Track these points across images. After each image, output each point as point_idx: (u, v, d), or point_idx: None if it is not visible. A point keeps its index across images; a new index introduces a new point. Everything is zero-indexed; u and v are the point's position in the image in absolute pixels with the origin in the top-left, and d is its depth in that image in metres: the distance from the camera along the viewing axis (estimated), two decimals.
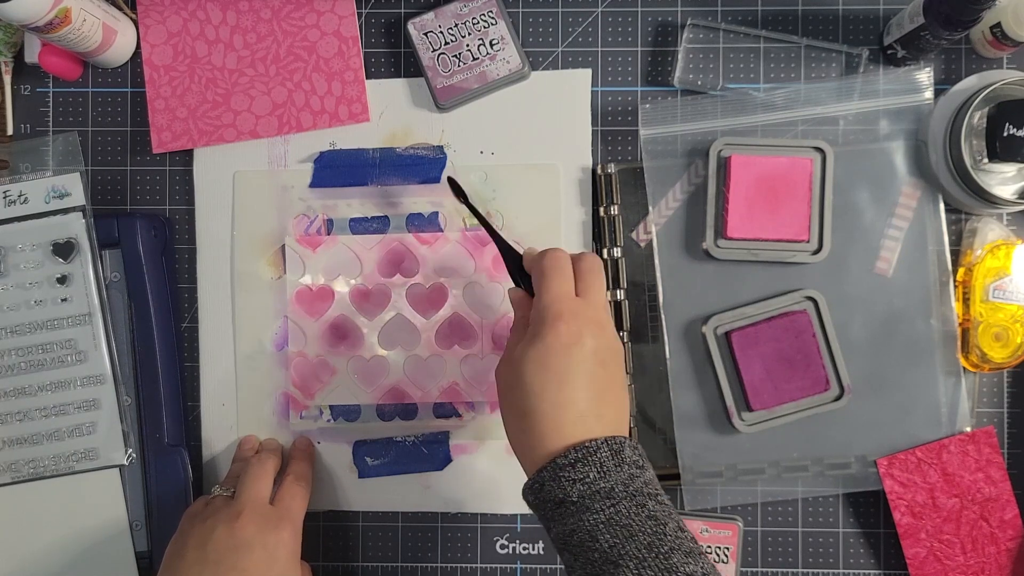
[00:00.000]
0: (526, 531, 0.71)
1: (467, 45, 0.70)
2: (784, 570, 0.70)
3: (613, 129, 0.71)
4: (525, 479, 0.53)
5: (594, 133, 0.71)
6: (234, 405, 0.71)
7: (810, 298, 0.67)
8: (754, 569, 0.70)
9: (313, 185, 0.71)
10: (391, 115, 0.71)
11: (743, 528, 0.69)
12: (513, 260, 0.61)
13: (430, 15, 0.70)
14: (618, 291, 0.69)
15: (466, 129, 0.71)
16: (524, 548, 0.71)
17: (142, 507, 0.69)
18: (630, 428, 0.68)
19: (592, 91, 0.71)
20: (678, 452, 0.68)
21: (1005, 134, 0.62)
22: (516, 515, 0.71)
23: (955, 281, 0.68)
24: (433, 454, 0.70)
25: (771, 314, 0.67)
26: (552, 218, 0.70)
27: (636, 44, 0.71)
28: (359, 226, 0.71)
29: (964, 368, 0.67)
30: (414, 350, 0.70)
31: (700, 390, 0.68)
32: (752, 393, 0.66)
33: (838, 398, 0.66)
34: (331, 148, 0.71)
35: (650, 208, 0.68)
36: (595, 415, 0.52)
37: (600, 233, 0.70)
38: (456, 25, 0.70)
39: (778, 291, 0.67)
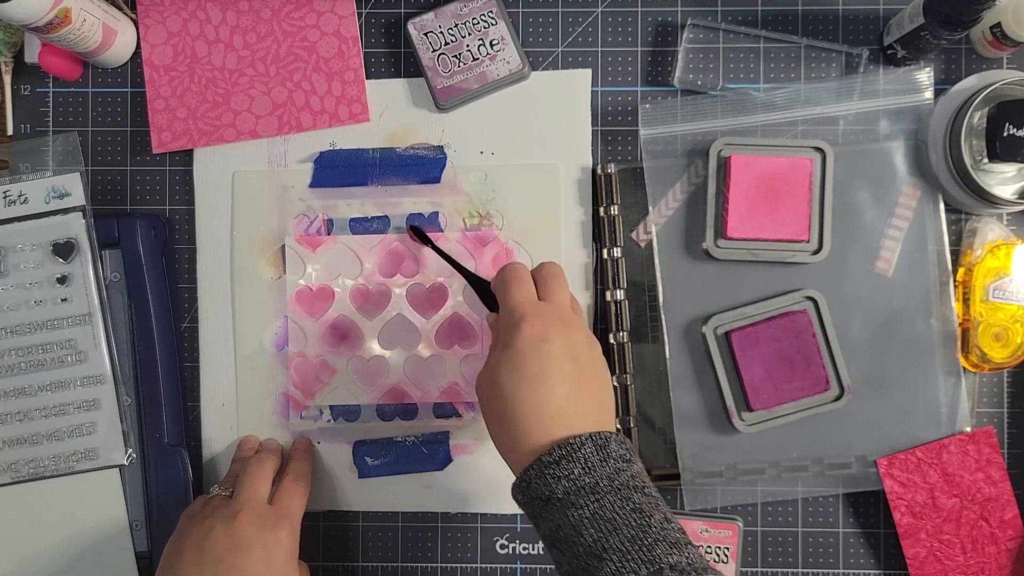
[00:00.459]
0: (526, 531, 0.71)
1: (467, 45, 0.70)
2: (784, 570, 0.70)
3: (613, 129, 0.71)
4: None
5: (594, 133, 0.71)
6: (234, 405, 0.71)
7: (810, 298, 0.67)
8: (754, 569, 0.70)
9: (313, 185, 0.71)
10: (391, 115, 0.71)
11: (743, 528, 0.69)
12: (481, 287, 0.63)
13: (430, 15, 0.70)
14: (618, 291, 0.69)
15: (466, 129, 0.71)
16: (524, 548, 0.71)
17: (142, 507, 0.69)
18: (629, 427, 0.68)
19: (592, 91, 0.71)
20: (678, 452, 0.68)
21: (1005, 134, 0.62)
22: (516, 515, 0.71)
23: (955, 281, 0.68)
24: (433, 454, 0.70)
25: (771, 314, 0.67)
26: (552, 218, 0.70)
27: (636, 44, 0.71)
28: (359, 226, 0.71)
29: (964, 368, 0.67)
30: (414, 350, 0.70)
31: (700, 390, 0.68)
32: (752, 393, 0.66)
33: (838, 398, 0.66)
34: (331, 148, 0.71)
35: (650, 208, 0.68)
36: (575, 410, 0.53)
37: (600, 233, 0.70)
38: (456, 25, 0.70)
39: (778, 291, 0.67)
